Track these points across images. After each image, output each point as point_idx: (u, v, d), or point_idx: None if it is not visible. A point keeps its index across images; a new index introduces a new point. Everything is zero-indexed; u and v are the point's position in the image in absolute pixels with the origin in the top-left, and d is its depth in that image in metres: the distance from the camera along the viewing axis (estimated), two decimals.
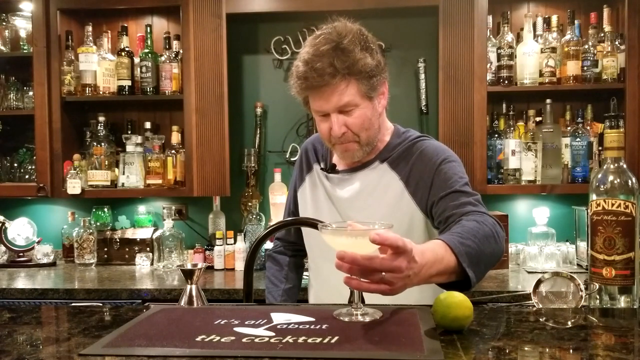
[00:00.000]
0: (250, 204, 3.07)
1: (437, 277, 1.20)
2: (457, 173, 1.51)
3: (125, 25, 3.08)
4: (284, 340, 0.98)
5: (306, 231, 1.74)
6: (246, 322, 1.09)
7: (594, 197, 1.33)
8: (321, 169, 1.69)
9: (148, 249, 3.07)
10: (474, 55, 2.76)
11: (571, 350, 0.99)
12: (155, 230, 3.10)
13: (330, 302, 1.58)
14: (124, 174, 3.05)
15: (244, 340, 0.98)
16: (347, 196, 1.61)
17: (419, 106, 3.04)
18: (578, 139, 2.81)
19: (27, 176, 3.17)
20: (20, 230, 3.14)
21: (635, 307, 1.29)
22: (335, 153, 1.64)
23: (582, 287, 1.31)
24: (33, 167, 3.11)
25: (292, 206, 1.80)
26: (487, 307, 1.27)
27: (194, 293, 1.29)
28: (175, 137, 3.01)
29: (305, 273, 1.92)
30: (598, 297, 1.32)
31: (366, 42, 1.48)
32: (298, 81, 1.48)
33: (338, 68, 1.42)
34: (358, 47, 1.45)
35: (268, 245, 2.83)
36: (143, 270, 2.94)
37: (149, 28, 3.02)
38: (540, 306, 1.32)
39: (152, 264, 3.03)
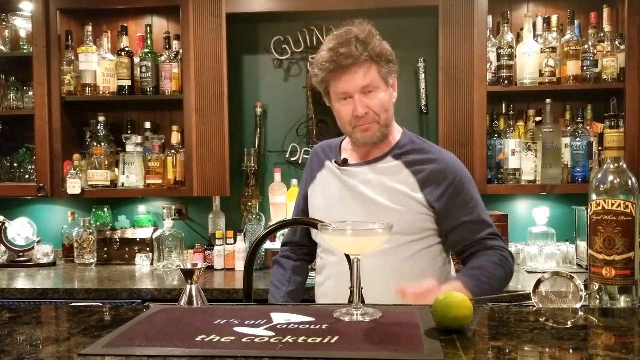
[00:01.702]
0: (250, 204, 3.07)
1: None
2: (474, 197, 1.66)
3: (125, 25, 3.08)
4: (284, 340, 0.98)
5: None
6: (246, 322, 1.09)
7: (594, 197, 1.33)
8: (334, 161, 1.74)
9: (148, 249, 3.06)
10: (474, 55, 2.76)
11: (571, 350, 0.99)
12: (155, 230, 3.10)
13: (333, 293, 1.68)
14: (124, 174, 3.05)
15: (244, 340, 0.98)
16: (359, 188, 1.66)
17: (419, 106, 3.04)
18: (578, 139, 2.81)
19: (27, 176, 3.17)
20: (20, 230, 3.14)
21: (635, 307, 1.29)
22: (354, 137, 1.69)
23: (582, 287, 1.31)
24: (33, 167, 3.11)
25: (303, 205, 1.84)
26: (487, 307, 1.27)
27: (194, 293, 1.29)
28: (175, 137, 3.01)
29: (311, 274, 1.92)
30: (598, 297, 1.31)
31: (380, 37, 1.66)
32: (325, 65, 1.59)
33: (361, 52, 1.58)
34: (375, 38, 1.63)
35: (268, 245, 2.84)
36: (143, 270, 2.94)
37: (149, 28, 3.02)
38: (540, 306, 1.32)
39: (152, 264, 3.02)
